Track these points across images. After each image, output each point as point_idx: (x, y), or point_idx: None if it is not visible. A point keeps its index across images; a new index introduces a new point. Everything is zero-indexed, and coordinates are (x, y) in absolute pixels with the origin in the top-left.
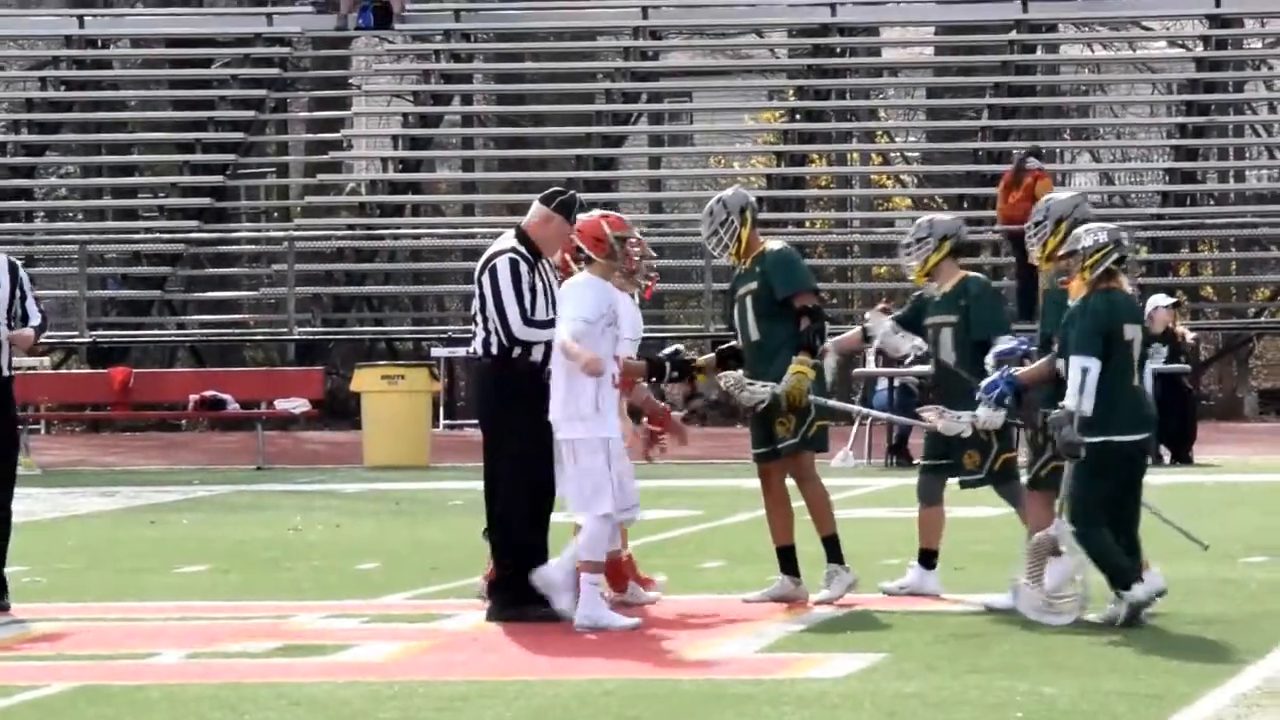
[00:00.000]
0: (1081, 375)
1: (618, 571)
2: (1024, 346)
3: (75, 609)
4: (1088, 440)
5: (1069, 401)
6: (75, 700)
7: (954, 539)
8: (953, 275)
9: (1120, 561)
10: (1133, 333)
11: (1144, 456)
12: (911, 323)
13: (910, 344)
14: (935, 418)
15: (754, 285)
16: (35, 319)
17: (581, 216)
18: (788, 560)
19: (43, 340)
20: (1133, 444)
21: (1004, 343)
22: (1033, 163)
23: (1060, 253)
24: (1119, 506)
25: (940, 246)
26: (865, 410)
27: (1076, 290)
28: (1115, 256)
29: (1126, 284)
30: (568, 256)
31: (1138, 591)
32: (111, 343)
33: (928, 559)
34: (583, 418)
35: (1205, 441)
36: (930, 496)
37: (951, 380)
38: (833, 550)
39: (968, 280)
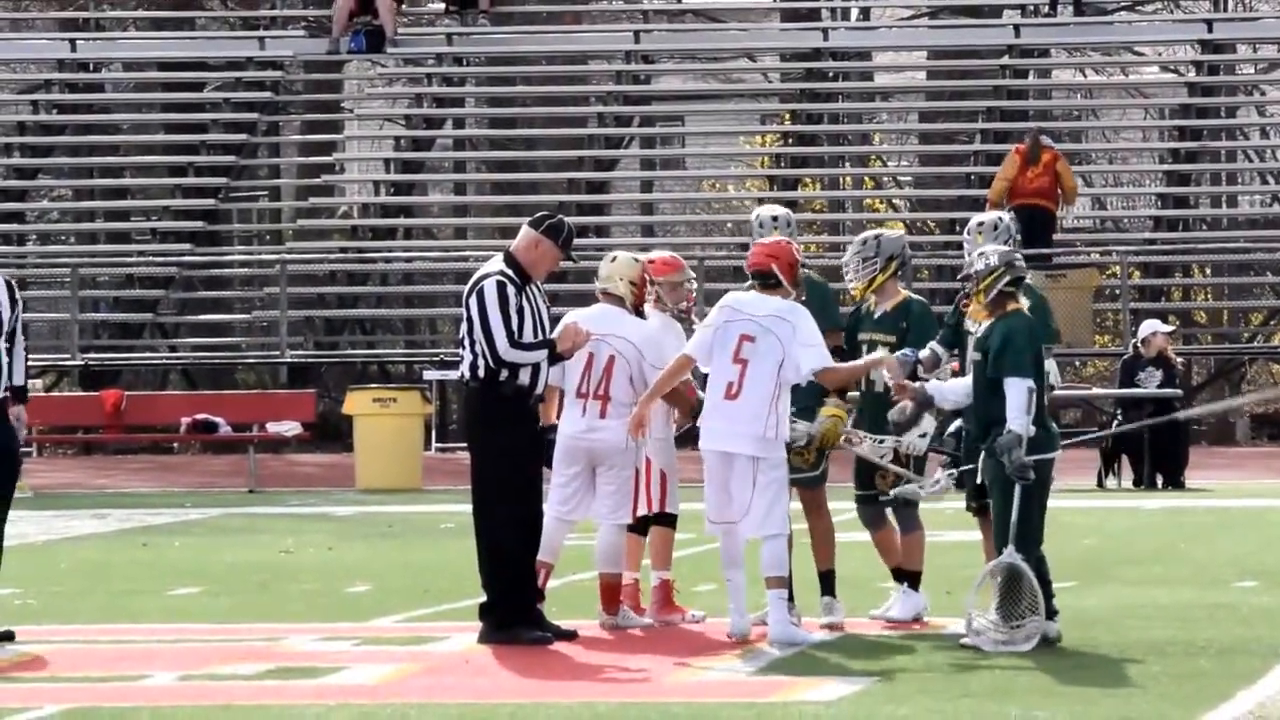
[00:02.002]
0: (1026, 396)
1: (613, 594)
2: (915, 356)
3: (67, 631)
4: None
5: (1016, 424)
6: None
7: (944, 563)
8: (895, 295)
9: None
10: (1043, 353)
11: None
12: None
13: (920, 435)
14: (859, 443)
15: None
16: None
17: (770, 239)
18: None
19: (30, 363)
20: (1052, 460)
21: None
22: (1046, 140)
23: (959, 276)
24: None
25: (887, 267)
26: (881, 463)
27: (976, 313)
28: (1007, 279)
29: (1024, 305)
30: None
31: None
32: (103, 365)
33: (908, 580)
34: (780, 437)
35: (1197, 466)
36: (874, 523)
37: (880, 403)
38: (827, 584)
39: (910, 302)
